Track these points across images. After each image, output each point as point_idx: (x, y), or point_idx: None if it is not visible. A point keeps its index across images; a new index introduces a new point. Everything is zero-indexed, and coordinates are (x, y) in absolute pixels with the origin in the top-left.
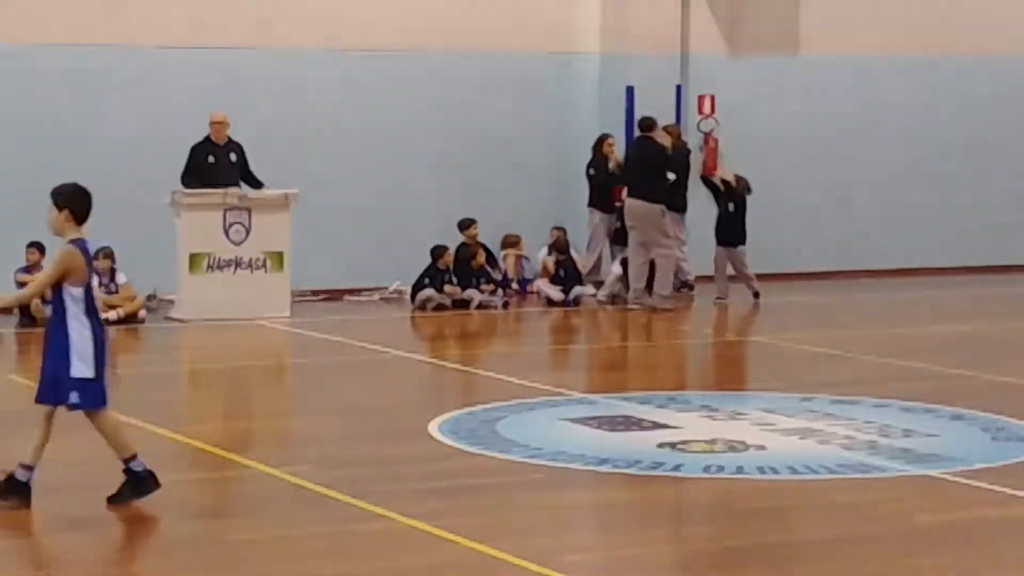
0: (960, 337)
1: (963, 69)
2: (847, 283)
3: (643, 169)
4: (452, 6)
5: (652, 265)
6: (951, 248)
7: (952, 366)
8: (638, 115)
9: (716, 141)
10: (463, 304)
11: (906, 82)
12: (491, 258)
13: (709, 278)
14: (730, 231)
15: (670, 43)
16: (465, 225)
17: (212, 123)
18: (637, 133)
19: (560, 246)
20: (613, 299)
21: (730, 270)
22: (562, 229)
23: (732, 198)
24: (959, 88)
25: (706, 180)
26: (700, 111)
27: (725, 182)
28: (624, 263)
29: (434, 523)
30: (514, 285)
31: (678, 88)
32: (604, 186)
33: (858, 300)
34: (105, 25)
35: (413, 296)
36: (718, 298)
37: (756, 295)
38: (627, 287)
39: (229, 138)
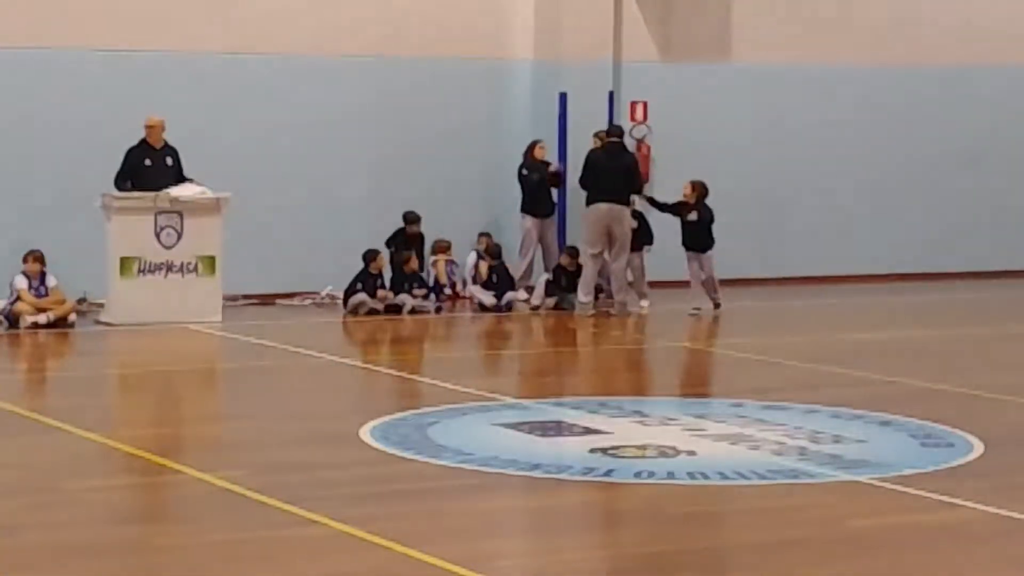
0: (889, 344)
1: (896, 78)
2: (779, 289)
3: (622, 175)
4: (385, 11)
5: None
6: (885, 255)
7: (881, 373)
8: (571, 122)
9: (648, 148)
10: (395, 309)
11: (838, 90)
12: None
13: (665, 283)
14: (695, 237)
15: (603, 49)
16: (412, 219)
17: (148, 126)
18: (610, 140)
19: (492, 251)
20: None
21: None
22: (488, 235)
23: (694, 207)
24: (892, 97)
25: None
26: (632, 118)
27: (680, 203)
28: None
29: (366, 528)
30: (446, 291)
31: (610, 94)
32: (536, 190)
33: (789, 307)
34: (35, 28)
35: (345, 301)
36: (695, 309)
37: (717, 305)
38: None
39: (165, 142)
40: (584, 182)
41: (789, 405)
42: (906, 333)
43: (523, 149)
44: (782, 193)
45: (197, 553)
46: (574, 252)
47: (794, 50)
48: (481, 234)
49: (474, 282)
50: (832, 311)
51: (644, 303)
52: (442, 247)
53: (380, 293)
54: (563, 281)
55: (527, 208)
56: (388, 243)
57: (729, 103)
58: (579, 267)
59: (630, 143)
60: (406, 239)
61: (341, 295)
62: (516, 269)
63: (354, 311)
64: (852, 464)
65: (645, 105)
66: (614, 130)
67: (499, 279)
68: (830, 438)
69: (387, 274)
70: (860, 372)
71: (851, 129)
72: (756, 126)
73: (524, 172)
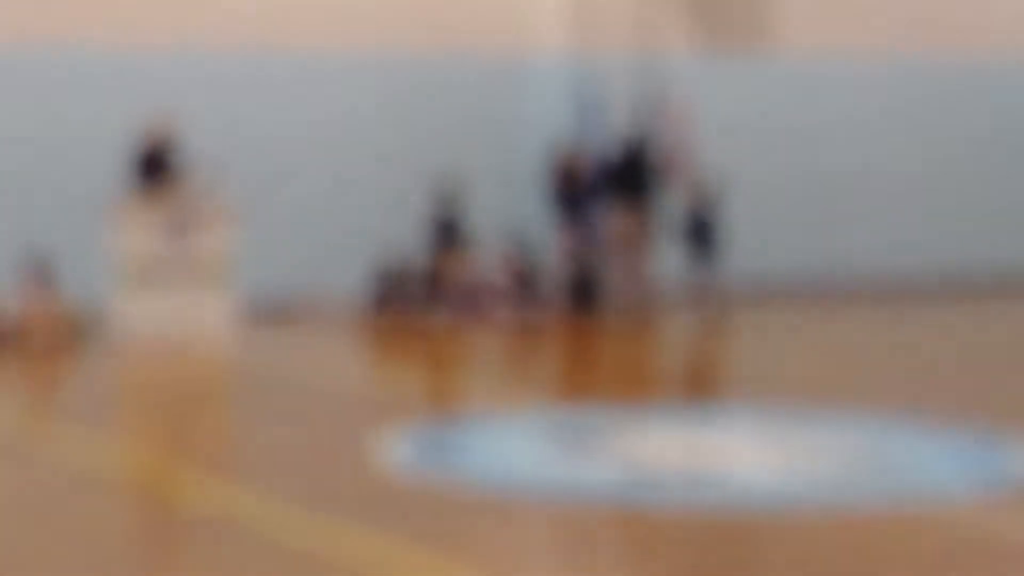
0: (942, 353)
1: (941, 77)
2: (820, 298)
3: (644, 176)
4: (403, 5)
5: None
6: (934, 260)
7: (933, 384)
8: (605, 120)
9: (687, 145)
10: (419, 318)
11: (888, 84)
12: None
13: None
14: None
15: (639, 44)
16: (448, 192)
17: (153, 129)
18: (629, 140)
19: (521, 258)
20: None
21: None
22: (515, 241)
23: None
24: (937, 96)
25: None
26: (670, 115)
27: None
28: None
29: (389, 549)
30: (473, 298)
31: (647, 90)
32: (567, 196)
33: (834, 312)
34: (37, 24)
35: (367, 309)
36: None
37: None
38: None
39: (170, 141)
40: (605, 186)
41: (835, 418)
42: (959, 341)
43: (551, 151)
44: (826, 192)
45: (208, 573)
46: (583, 257)
47: (841, 44)
48: (506, 241)
49: (501, 289)
50: (883, 315)
51: None
52: (466, 254)
53: (404, 302)
54: (579, 288)
55: (557, 214)
56: (434, 225)
57: (770, 100)
58: (590, 272)
59: (667, 141)
60: (446, 226)
61: (361, 305)
62: (545, 276)
63: (375, 322)
64: (900, 481)
65: (683, 101)
66: (633, 132)
67: (527, 286)
68: (878, 453)
69: (411, 282)
70: (911, 384)
71: (899, 127)
72: (800, 122)
73: (555, 181)
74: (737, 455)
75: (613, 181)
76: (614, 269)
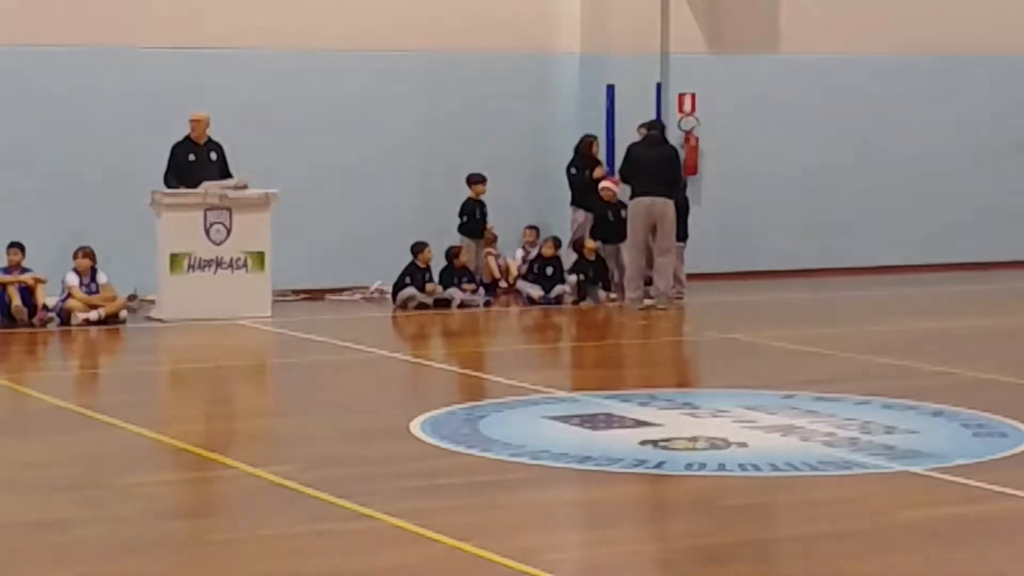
0: (939, 334)
1: (941, 69)
2: (826, 280)
3: (663, 166)
4: (429, 6)
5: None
6: (934, 244)
7: (932, 363)
8: (619, 114)
9: (697, 140)
10: (444, 303)
11: (883, 81)
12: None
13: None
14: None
15: (650, 41)
16: (474, 180)
17: (193, 121)
18: (646, 132)
19: (553, 243)
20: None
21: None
22: (535, 228)
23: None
24: (937, 87)
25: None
26: (680, 110)
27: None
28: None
29: (417, 522)
30: (503, 284)
31: (658, 86)
32: (586, 186)
33: (838, 297)
34: (84, 26)
35: (394, 295)
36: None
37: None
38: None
39: (209, 137)
40: (624, 174)
41: (840, 396)
42: (957, 323)
43: (569, 141)
44: (829, 184)
45: (249, 547)
46: (578, 243)
47: (842, 41)
48: (528, 227)
49: (524, 276)
50: (881, 301)
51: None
52: (488, 240)
53: (429, 287)
54: (590, 272)
55: (577, 202)
56: (460, 214)
57: (777, 95)
58: (598, 258)
59: (678, 135)
60: (474, 206)
61: (390, 289)
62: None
63: (403, 305)
64: (904, 455)
65: (693, 97)
66: (654, 124)
67: (554, 272)
68: (882, 429)
69: (435, 267)
70: (911, 363)
71: (896, 119)
72: (804, 118)
73: (573, 171)
74: (752, 429)
75: (626, 170)
76: (633, 259)
